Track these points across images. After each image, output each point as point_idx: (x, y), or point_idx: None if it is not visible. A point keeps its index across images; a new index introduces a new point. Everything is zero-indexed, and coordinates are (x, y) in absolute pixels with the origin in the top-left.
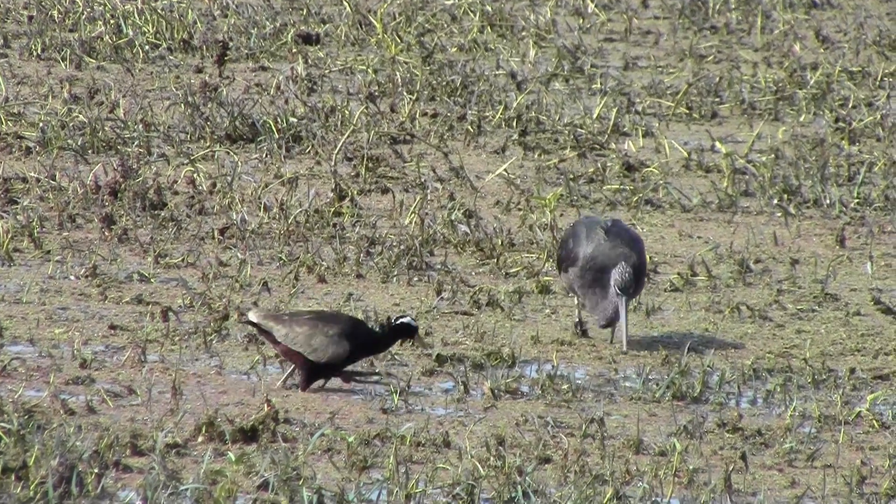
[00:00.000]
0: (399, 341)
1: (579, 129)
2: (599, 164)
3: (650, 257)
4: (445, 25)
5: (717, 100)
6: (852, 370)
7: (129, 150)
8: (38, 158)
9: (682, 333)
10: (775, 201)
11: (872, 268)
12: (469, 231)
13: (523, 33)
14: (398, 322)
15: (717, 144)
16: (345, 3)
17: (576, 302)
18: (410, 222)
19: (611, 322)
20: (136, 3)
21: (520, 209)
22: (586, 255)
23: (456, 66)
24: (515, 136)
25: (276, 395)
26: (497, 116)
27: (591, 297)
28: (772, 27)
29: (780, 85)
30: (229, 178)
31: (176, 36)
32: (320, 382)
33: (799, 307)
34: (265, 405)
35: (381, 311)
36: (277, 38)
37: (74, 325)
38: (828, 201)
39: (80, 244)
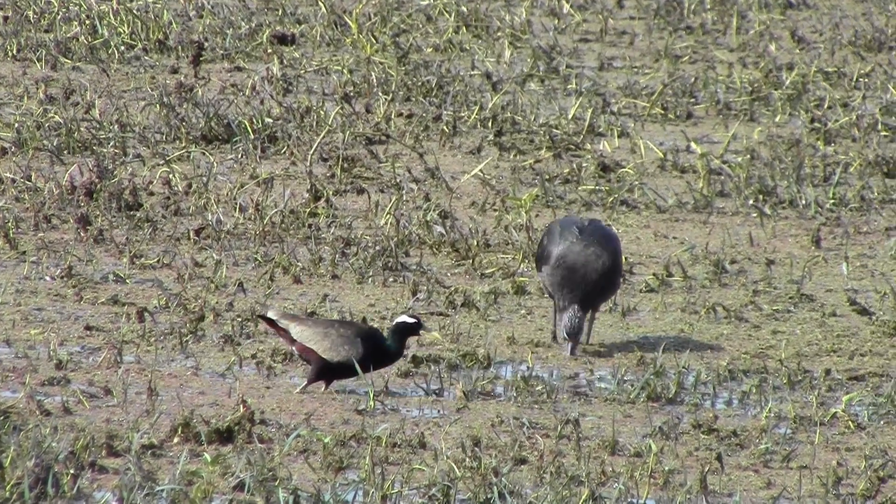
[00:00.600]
0: (406, 343)
1: (555, 130)
2: (575, 165)
3: (625, 258)
4: (421, 26)
5: (693, 100)
6: (828, 371)
7: (105, 150)
8: (14, 159)
9: (657, 334)
10: (751, 202)
11: (848, 268)
12: (444, 232)
13: (499, 34)
14: (395, 323)
15: (693, 145)
16: (320, 3)
17: (553, 309)
18: (386, 223)
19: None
20: (112, 4)
21: (495, 210)
22: (557, 254)
23: (431, 66)
24: (491, 137)
25: (251, 395)
26: (472, 117)
27: (562, 298)
28: (747, 27)
29: (756, 85)
30: (205, 179)
31: (151, 36)
32: (317, 387)
33: (775, 308)
34: (241, 406)
35: (357, 311)
36: (253, 39)
37: (50, 325)
38: (803, 202)
39: (55, 245)
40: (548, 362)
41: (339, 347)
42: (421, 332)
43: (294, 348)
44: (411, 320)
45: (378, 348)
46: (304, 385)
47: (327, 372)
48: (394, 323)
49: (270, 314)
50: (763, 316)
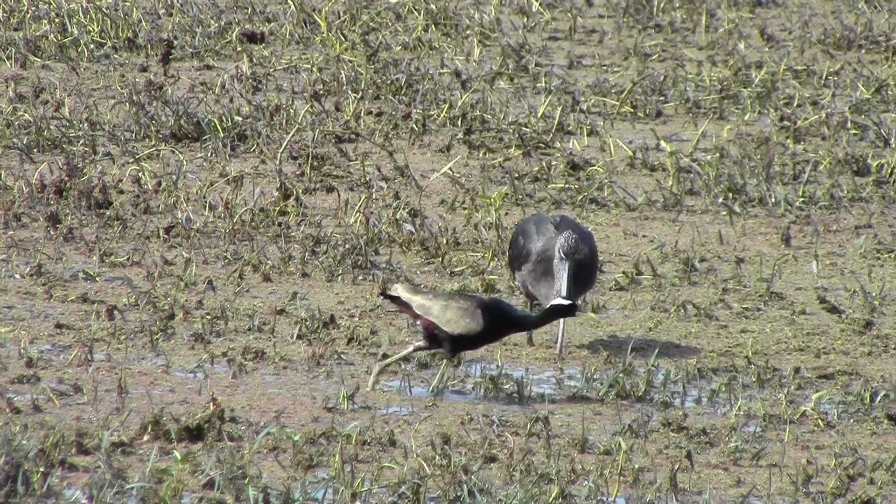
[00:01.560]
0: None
1: (524, 128)
2: (544, 163)
3: None
4: (390, 24)
5: (662, 98)
6: (797, 369)
7: (75, 148)
8: None
9: (627, 332)
10: (720, 200)
11: (818, 266)
12: (414, 230)
13: (468, 32)
14: (551, 305)
15: (662, 143)
16: (289, 1)
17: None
18: (355, 221)
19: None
20: (81, 2)
21: (465, 208)
22: (538, 250)
23: (401, 64)
24: (460, 135)
25: (221, 393)
26: (442, 115)
27: (544, 288)
28: (716, 26)
29: (725, 83)
30: (174, 177)
31: (121, 35)
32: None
33: (744, 306)
34: (211, 404)
35: (325, 309)
36: (222, 37)
37: (20, 323)
38: (773, 200)
39: (25, 243)
40: (518, 360)
41: (459, 320)
42: (577, 313)
43: (418, 323)
44: (566, 303)
45: (502, 319)
46: (447, 356)
47: (457, 343)
48: (549, 304)
49: (396, 291)
50: (732, 314)
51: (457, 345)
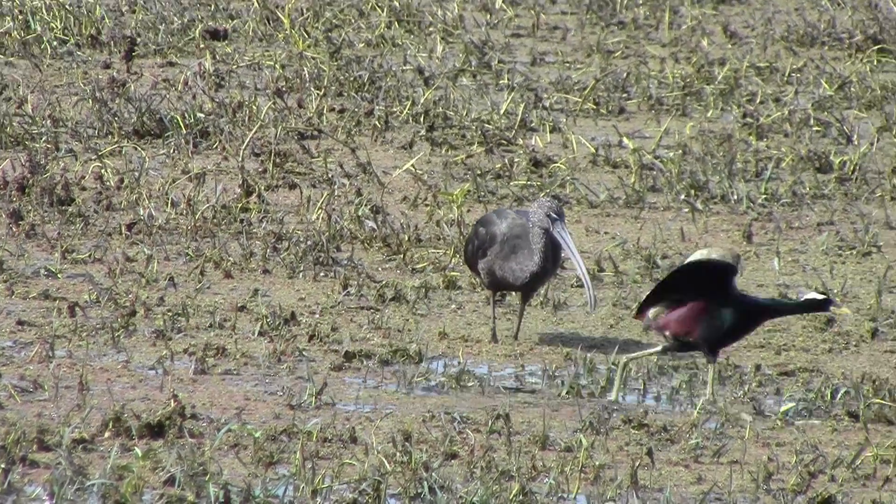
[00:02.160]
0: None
1: (487, 125)
2: (507, 160)
3: None
4: (353, 21)
5: (625, 95)
6: (758, 366)
7: (37, 145)
8: None
9: (588, 329)
10: (682, 197)
11: (779, 263)
12: (376, 226)
13: (431, 29)
14: (805, 298)
15: (625, 140)
16: None
17: (490, 310)
18: (317, 218)
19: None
20: None
21: (427, 205)
22: (503, 231)
23: (363, 61)
24: (423, 132)
25: (183, 390)
26: (404, 112)
27: (517, 263)
28: (679, 23)
29: (688, 80)
30: (137, 174)
31: (84, 31)
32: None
33: None
34: (172, 400)
35: (286, 306)
36: (185, 34)
37: None
38: (735, 197)
39: None
40: (479, 357)
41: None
42: (831, 308)
43: (667, 330)
44: (820, 297)
45: (755, 310)
46: (708, 360)
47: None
48: (803, 298)
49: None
50: None
51: (714, 342)
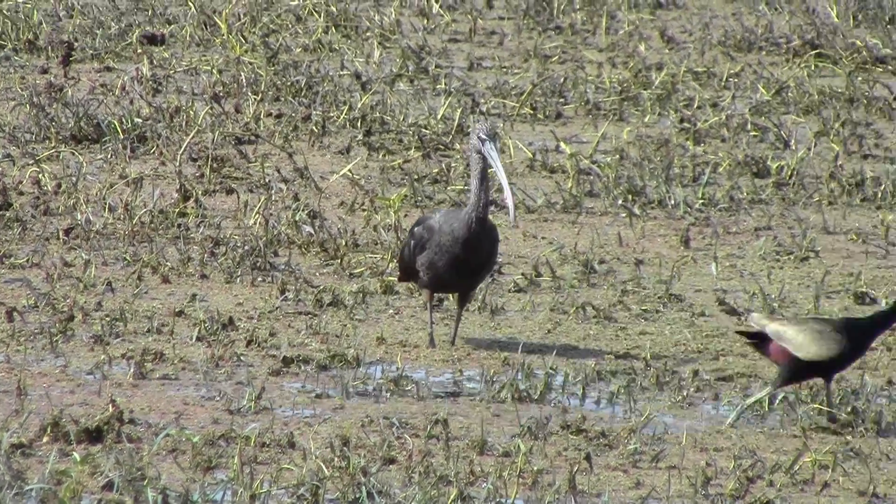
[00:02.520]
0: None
1: (424, 130)
2: (444, 165)
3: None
4: (290, 26)
5: (562, 100)
6: (696, 372)
7: None
8: None
9: (526, 334)
10: (620, 202)
11: (717, 268)
12: (313, 231)
13: (368, 34)
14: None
15: (562, 145)
16: (190, 3)
17: (427, 315)
18: (255, 223)
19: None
20: None
21: (364, 210)
22: (438, 220)
23: (301, 66)
24: (360, 137)
25: (121, 395)
26: (342, 117)
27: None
28: (617, 27)
29: (625, 85)
30: (74, 179)
31: (21, 36)
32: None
33: (643, 308)
34: (110, 405)
35: (224, 311)
36: (123, 39)
37: None
38: (672, 202)
39: None
40: (417, 362)
41: (811, 345)
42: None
43: (769, 353)
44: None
45: (862, 335)
46: (774, 385)
47: (799, 372)
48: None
49: (753, 321)
50: (632, 316)
51: (800, 374)
